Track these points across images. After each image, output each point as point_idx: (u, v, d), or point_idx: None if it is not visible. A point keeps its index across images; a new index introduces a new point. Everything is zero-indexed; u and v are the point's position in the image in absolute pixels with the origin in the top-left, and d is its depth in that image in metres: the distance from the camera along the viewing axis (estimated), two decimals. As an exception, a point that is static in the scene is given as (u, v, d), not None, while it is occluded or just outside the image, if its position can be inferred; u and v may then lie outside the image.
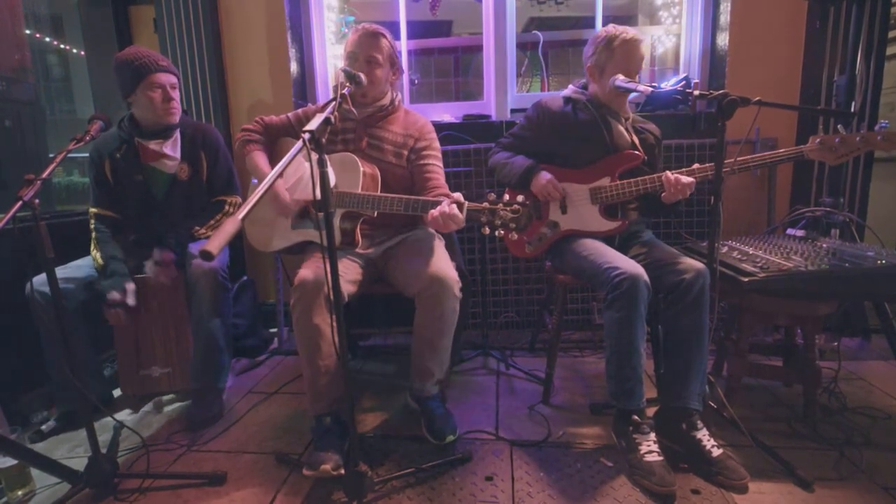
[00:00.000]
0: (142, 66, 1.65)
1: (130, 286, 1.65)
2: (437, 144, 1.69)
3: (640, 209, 1.72)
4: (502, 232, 1.29)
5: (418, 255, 1.49)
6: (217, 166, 1.86)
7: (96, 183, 1.77)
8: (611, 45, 1.58)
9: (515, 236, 1.30)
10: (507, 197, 1.30)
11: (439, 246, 1.59)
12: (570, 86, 1.77)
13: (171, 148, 1.78)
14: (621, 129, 1.67)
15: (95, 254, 1.69)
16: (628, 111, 1.72)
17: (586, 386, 1.89)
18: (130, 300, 1.64)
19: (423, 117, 1.71)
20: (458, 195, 1.34)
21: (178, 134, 1.80)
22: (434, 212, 1.32)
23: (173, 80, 1.73)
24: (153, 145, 1.75)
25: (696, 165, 1.53)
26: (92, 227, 1.75)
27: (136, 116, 1.75)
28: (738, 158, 1.46)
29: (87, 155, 1.80)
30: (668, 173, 1.50)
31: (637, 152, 1.63)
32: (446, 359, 1.54)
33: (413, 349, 1.53)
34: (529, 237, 1.68)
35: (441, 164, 1.68)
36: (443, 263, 1.45)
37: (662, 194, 1.52)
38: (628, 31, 1.58)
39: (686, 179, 1.48)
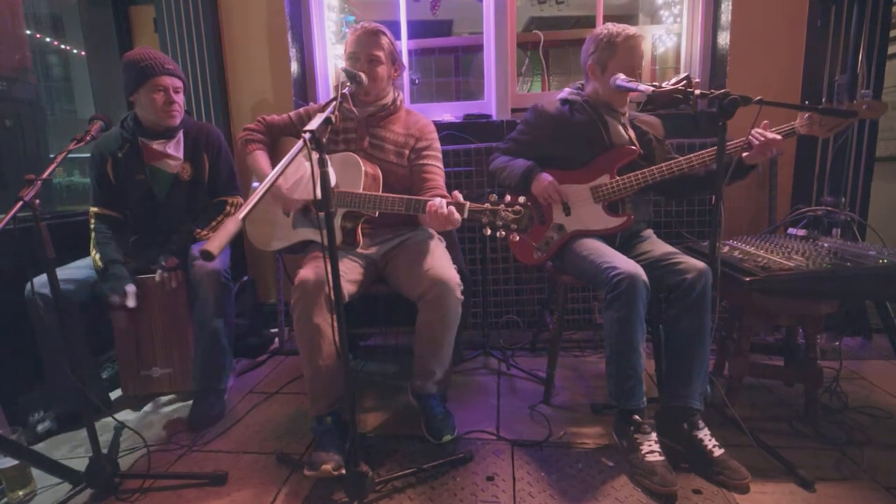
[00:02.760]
0: (146, 68, 1.66)
1: (130, 288, 1.65)
2: (437, 145, 1.69)
3: (667, 195, 1.74)
4: (503, 233, 1.28)
5: (419, 258, 1.49)
6: (218, 166, 1.86)
7: (97, 182, 1.77)
8: (613, 42, 1.58)
9: (517, 237, 1.30)
10: (508, 198, 1.30)
11: (440, 247, 1.59)
12: (567, 88, 1.76)
13: (174, 148, 1.78)
14: (619, 127, 1.67)
15: (95, 255, 1.69)
16: (626, 108, 1.72)
17: (587, 386, 1.89)
18: (130, 302, 1.64)
19: (424, 117, 1.71)
20: (456, 193, 1.33)
21: (181, 134, 1.80)
22: (428, 209, 1.32)
23: (177, 83, 1.73)
24: (156, 145, 1.75)
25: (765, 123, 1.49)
26: (92, 226, 1.74)
27: (139, 116, 1.76)
28: (729, 144, 1.47)
29: (87, 155, 1.80)
30: (756, 130, 1.46)
31: (633, 147, 1.63)
32: (448, 359, 1.54)
33: (415, 349, 1.53)
34: (537, 242, 1.68)
35: (441, 165, 1.67)
36: (444, 265, 1.45)
37: (745, 154, 1.47)
38: (629, 29, 1.58)
39: (771, 135, 1.44)
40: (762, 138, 1.45)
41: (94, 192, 1.78)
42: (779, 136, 1.46)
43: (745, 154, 1.49)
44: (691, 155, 1.55)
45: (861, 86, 1.98)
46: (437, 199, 1.31)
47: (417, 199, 1.39)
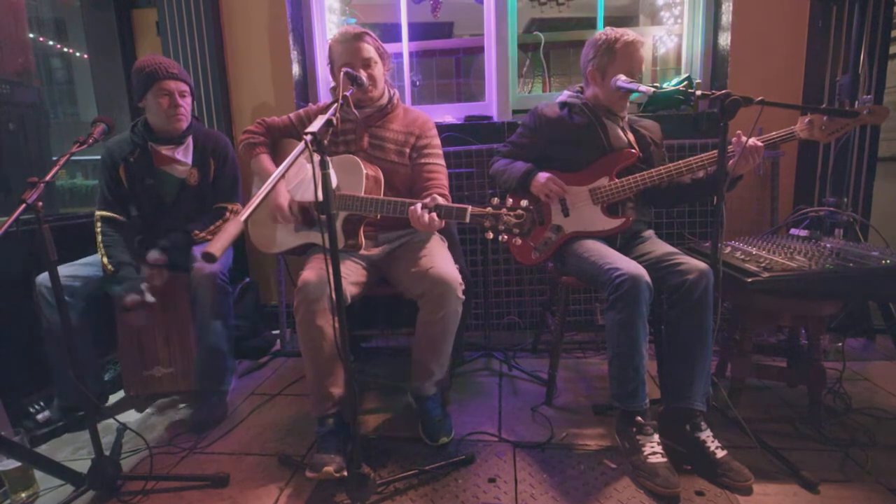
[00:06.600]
0: (152, 73, 1.69)
1: (145, 285, 1.67)
2: (437, 142, 1.69)
3: (657, 203, 1.72)
4: (505, 237, 1.29)
5: (421, 258, 1.49)
6: (223, 172, 1.88)
7: (108, 186, 1.78)
8: (612, 47, 1.58)
9: (519, 241, 1.30)
10: (510, 202, 1.30)
11: (442, 247, 1.59)
12: (566, 91, 1.77)
13: (183, 154, 1.80)
14: (618, 130, 1.68)
15: (103, 259, 1.69)
16: (626, 111, 1.72)
17: (589, 387, 1.89)
18: (149, 297, 1.65)
19: (423, 114, 1.71)
20: (435, 196, 1.39)
21: (190, 140, 1.82)
22: (410, 214, 1.35)
23: (183, 87, 1.75)
24: (165, 150, 1.78)
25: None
26: (98, 230, 1.74)
27: (149, 121, 1.78)
28: (730, 148, 1.45)
29: (90, 158, 1.82)
30: (740, 134, 1.44)
31: (633, 150, 1.63)
32: (447, 360, 1.54)
33: (414, 349, 1.53)
34: (535, 242, 1.68)
35: (442, 163, 1.68)
36: (446, 265, 1.45)
37: (730, 162, 1.44)
38: (629, 34, 1.58)
39: (755, 143, 1.42)
40: (738, 147, 1.43)
41: (101, 195, 1.78)
42: (759, 143, 1.44)
43: (730, 163, 1.46)
44: (690, 158, 1.54)
45: (862, 86, 1.97)
46: (417, 206, 1.34)
47: (416, 202, 1.40)
